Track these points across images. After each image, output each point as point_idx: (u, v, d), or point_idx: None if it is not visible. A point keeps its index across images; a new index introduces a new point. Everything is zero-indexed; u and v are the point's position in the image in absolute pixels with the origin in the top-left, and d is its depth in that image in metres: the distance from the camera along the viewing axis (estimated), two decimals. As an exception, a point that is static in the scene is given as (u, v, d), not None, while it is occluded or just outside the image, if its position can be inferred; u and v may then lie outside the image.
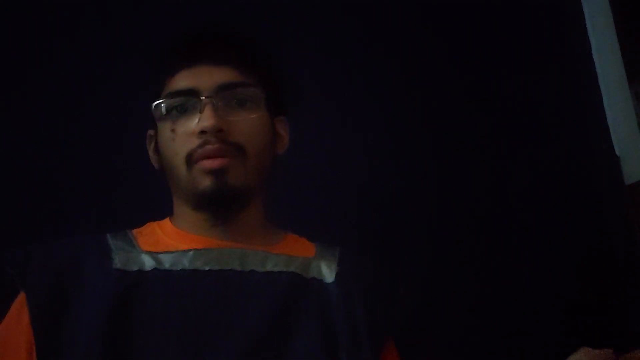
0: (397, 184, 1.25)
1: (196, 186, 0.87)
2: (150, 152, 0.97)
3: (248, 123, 0.90)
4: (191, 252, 0.87)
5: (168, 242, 0.90)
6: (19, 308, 0.83)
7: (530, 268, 1.23)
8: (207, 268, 0.86)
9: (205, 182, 0.87)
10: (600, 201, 1.29)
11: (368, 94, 1.29)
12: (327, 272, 0.91)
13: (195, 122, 0.87)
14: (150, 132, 0.97)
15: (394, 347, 0.93)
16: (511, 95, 1.32)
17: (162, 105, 0.90)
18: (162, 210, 0.95)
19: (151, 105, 0.91)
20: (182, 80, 0.90)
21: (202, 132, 0.87)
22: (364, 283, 0.91)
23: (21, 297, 0.84)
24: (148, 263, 0.86)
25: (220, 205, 0.89)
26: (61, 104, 1.19)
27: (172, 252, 0.87)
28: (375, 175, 1.25)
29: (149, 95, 0.92)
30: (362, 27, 1.32)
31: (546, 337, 1.17)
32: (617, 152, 1.33)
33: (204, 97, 0.88)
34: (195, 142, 0.87)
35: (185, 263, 0.86)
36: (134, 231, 0.93)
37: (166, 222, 0.94)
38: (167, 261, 0.86)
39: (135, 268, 0.85)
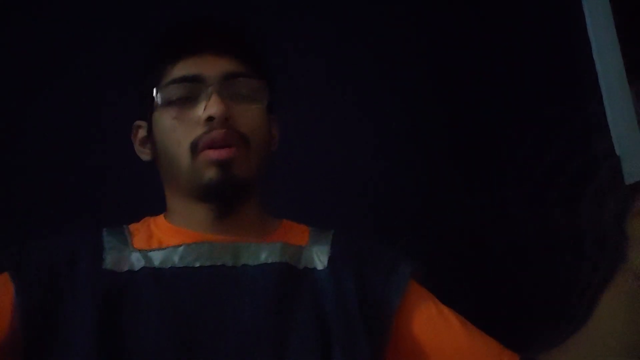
0: (395, 176, 1.28)
1: (200, 177, 0.88)
2: (137, 144, 0.96)
3: (252, 114, 0.91)
4: (181, 248, 0.87)
5: (161, 238, 0.91)
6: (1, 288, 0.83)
7: (530, 268, 1.24)
8: (197, 264, 0.86)
9: (210, 173, 0.88)
10: (601, 201, 1.29)
11: (367, 83, 1.34)
12: (320, 259, 0.91)
13: (201, 111, 0.88)
14: (139, 123, 0.95)
15: (419, 286, 0.91)
16: (511, 95, 1.34)
17: (165, 91, 0.90)
18: (160, 204, 0.95)
19: (151, 92, 0.91)
20: (186, 68, 0.91)
21: (209, 118, 0.87)
22: (359, 262, 0.91)
23: (3, 277, 0.84)
24: (138, 262, 0.87)
25: (224, 197, 0.90)
26: (59, 102, 1.20)
27: (162, 249, 0.88)
28: (372, 162, 1.29)
29: (143, 85, 0.91)
30: (365, 20, 1.36)
31: (545, 336, 1.17)
32: (617, 152, 1.32)
33: (209, 85, 0.88)
34: (200, 129, 0.88)
35: (175, 260, 0.86)
36: (131, 227, 0.93)
37: (160, 219, 0.94)
38: (157, 259, 0.87)
39: (125, 268, 0.87)
